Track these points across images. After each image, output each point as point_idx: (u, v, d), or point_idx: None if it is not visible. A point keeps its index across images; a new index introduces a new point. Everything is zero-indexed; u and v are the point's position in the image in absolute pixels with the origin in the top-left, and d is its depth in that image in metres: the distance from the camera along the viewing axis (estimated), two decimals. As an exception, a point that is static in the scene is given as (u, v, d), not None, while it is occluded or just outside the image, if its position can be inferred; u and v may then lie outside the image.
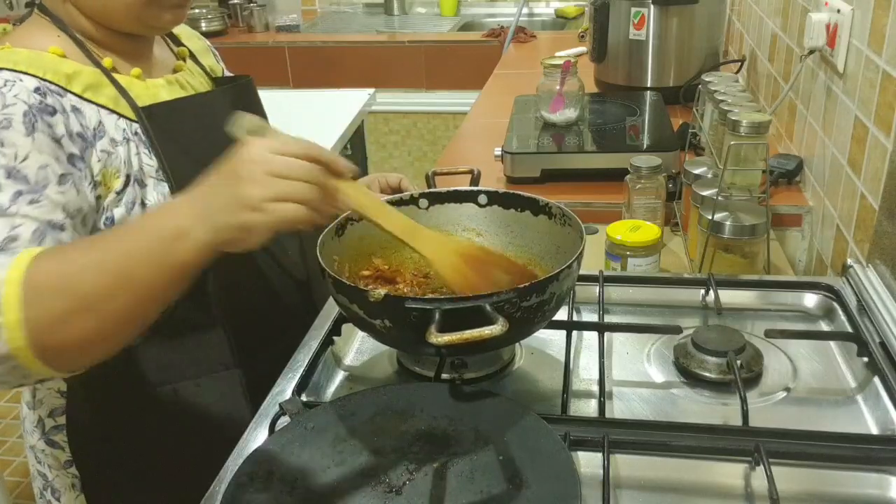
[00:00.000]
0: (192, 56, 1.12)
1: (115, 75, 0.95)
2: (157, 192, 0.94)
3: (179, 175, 0.93)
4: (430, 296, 0.93)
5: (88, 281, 0.73)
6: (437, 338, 0.72)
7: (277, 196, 0.70)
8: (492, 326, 0.72)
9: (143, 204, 0.93)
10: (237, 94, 1.10)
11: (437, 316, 0.75)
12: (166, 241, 0.72)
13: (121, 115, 0.93)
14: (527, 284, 0.79)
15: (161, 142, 0.94)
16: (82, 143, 0.88)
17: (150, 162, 0.94)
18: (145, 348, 0.96)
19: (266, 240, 0.73)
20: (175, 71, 1.06)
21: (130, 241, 0.75)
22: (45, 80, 0.87)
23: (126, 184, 0.91)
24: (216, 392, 1.02)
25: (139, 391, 0.99)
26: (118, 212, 0.91)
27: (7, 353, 0.71)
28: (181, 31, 1.14)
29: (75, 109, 0.89)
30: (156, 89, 0.99)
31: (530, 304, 0.80)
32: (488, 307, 0.75)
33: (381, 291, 0.79)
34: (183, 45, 1.12)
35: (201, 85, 1.09)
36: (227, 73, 1.21)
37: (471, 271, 0.84)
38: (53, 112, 0.86)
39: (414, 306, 0.77)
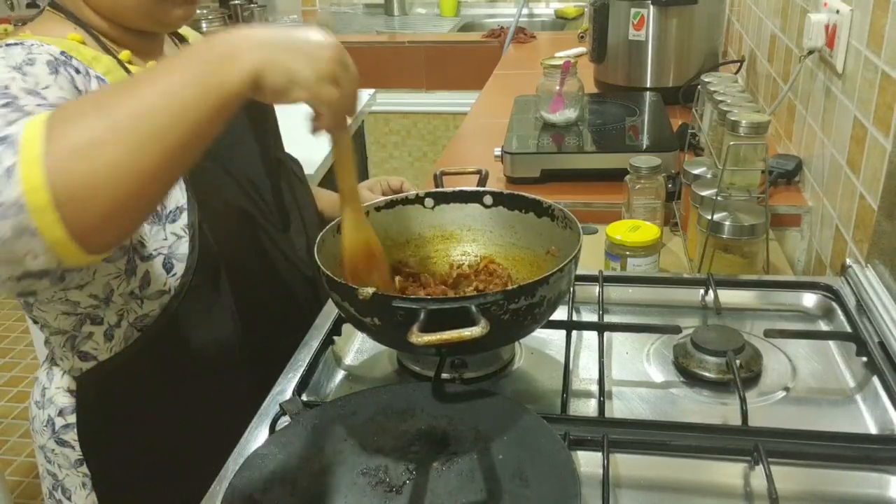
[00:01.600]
0: None
1: (131, 67, 0.96)
2: None
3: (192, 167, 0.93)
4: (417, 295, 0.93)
5: (124, 102, 0.66)
6: (418, 338, 0.72)
7: (336, 80, 0.72)
8: (472, 328, 0.72)
9: None
10: None
11: (422, 315, 0.75)
12: (213, 62, 0.69)
13: None
14: (515, 287, 0.79)
15: None
16: None
17: None
18: (156, 344, 0.97)
19: (293, 101, 0.73)
20: None
21: (174, 64, 0.70)
22: (69, 54, 0.88)
23: None
24: (225, 389, 1.02)
25: (150, 387, 1.00)
26: None
27: (17, 197, 0.61)
28: (187, 32, 1.15)
29: (100, 79, 0.90)
30: None
31: (519, 307, 0.80)
32: (474, 308, 0.75)
33: (370, 290, 0.79)
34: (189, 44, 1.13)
35: None
36: None
37: (362, 260, 0.90)
38: (77, 71, 0.87)
39: (400, 305, 0.78)
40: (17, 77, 0.80)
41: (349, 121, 0.79)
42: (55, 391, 1.01)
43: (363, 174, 2.85)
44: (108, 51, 0.95)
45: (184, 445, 1.01)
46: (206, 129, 0.69)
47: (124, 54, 0.96)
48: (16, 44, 0.86)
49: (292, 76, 0.70)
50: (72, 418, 1.01)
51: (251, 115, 1.10)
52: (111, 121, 0.65)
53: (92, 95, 0.71)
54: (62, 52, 0.87)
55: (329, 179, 1.79)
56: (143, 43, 1.00)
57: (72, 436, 1.01)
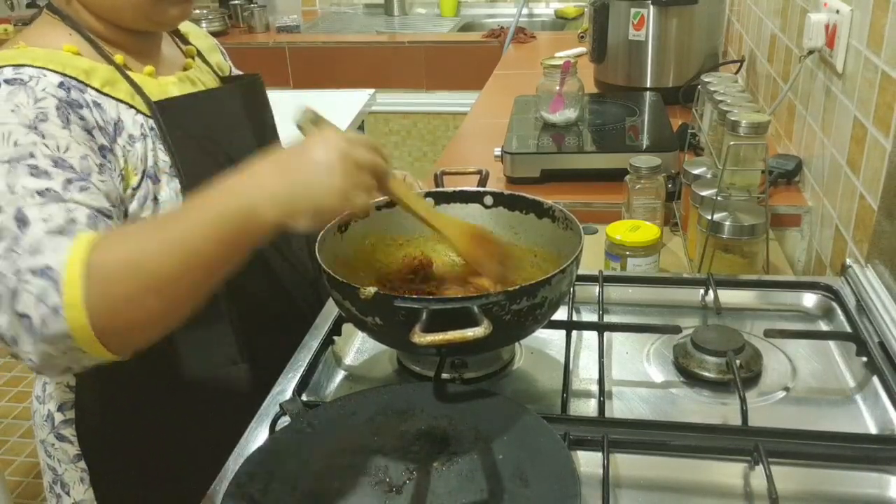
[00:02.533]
0: (200, 54, 1.13)
1: (129, 73, 0.96)
2: (169, 188, 0.94)
3: (191, 170, 0.94)
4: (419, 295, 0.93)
5: (156, 261, 0.72)
6: (420, 338, 0.72)
7: (357, 185, 0.75)
8: (475, 328, 0.72)
9: (155, 199, 0.94)
10: (247, 90, 1.12)
11: (424, 315, 0.76)
12: (235, 220, 0.73)
13: (138, 111, 0.94)
14: (516, 288, 0.79)
15: (174, 137, 0.95)
16: (107, 138, 0.90)
17: (164, 158, 0.95)
18: (154, 343, 0.97)
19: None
20: (185, 69, 1.07)
21: (197, 220, 0.74)
22: (66, 75, 0.89)
23: (141, 180, 0.92)
24: (223, 388, 1.03)
25: (148, 385, 1.00)
26: (132, 207, 0.91)
27: (66, 332, 0.70)
28: (189, 29, 1.15)
29: (96, 104, 0.90)
30: (167, 86, 1.00)
31: (520, 308, 0.80)
32: (476, 309, 0.76)
33: (371, 289, 0.79)
34: (191, 43, 1.13)
35: (210, 82, 1.09)
36: (235, 71, 1.22)
37: (479, 249, 0.93)
38: (80, 106, 0.88)
39: (402, 305, 0.78)
40: (38, 142, 0.81)
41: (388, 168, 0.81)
42: (55, 386, 1.02)
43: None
44: (104, 56, 0.94)
45: (182, 444, 1.01)
46: (232, 269, 0.76)
47: (118, 58, 0.95)
48: (15, 79, 0.85)
49: (318, 212, 0.74)
50: (71, 413, 1.01)
51: (249, 115, 1.10)
52: (146, 278, 0.72)
53: (125, 240, 0.75)
54: (60, 84, 0.87)
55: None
56: (141, 43, 1.00)
57: (70, 431, 1.02)
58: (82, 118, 0.87)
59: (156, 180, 0.94)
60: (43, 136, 0.82)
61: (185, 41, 1.13)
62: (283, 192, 0.73)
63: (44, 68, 0.87)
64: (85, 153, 0.84)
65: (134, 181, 0.92)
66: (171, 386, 1.01)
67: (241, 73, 1.21)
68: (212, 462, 0.82)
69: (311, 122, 0.81)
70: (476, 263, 0.93)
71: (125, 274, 0.72)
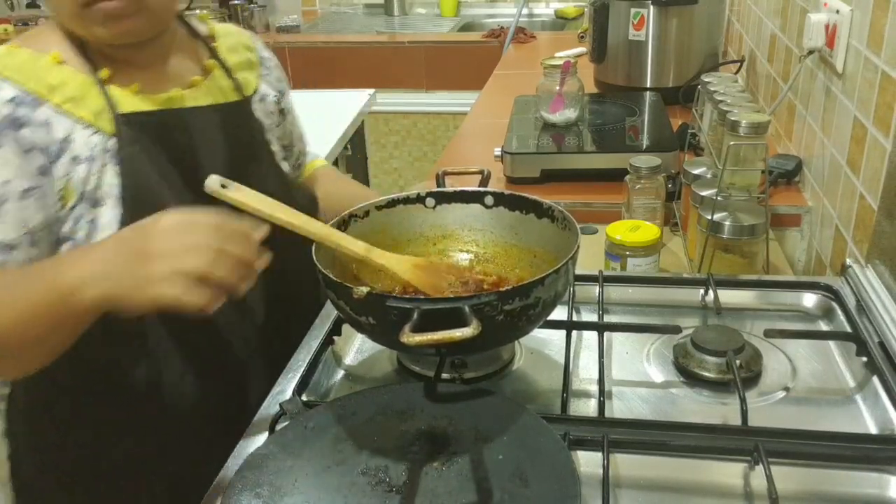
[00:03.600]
0: (227, 70, 1.07)
1: (112, 87, 0.93)
2: (113, 212, 0.91)
3: (139, 196, 0.92)
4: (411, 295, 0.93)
5: None
6: (410, 338, 0.72)
7: (177, 273, 0.73)
8: (463, 329, 0.72)
9: (93, 221, 0.91)
10: (227, 113, 1.04)
11: (415, 315, 0.76)
12: (62, 293, 0.77)
13: (97, 130, 0.91)
14: (509, 288, 0.79)
15: (128, 158, 0.92)
16: (47, 158, 0.89)
17: (113, 181, 0.92)
18: (144, 329, 0.95)
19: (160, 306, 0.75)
20: (191, 85, 1.02)
21: (30, 287, 0.80)
22: (25, 89, 0.89)
23: (78, 202, 0.91)
24: (209, 381, 1.01)
25: (70, 399, 0.98)
26: (66, 227, 0.91)
27: None
28: (227, 43, 1.09)
29: (46, 123, 0.89)
30: (147, 104, 0.96)
31: (513, 308, 0.80)
32: (467, 309, 0.75)
33: (364, 289, 0.79)
34: (218, 58, 1.07)
35: (216, 100, 1.03)
36: (272, 90, 1.14)
37: (425, 274, 0.92)
38: (22, 125, 0.87)
39: (394, 305, 0.78)
40: None
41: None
42: None
43: (363, 174, 2.85)
44: (91, 65, 0.93)
45: (108, 459, 1.00)
46: (69, 334, 0.82)
47: (104, 72, 0.93)
48: None
49: (135, 298, 0.75)
50: (4, 389, 1.00)
51: (228, 139, 1.04)
52: None
53: None
54: (12, 99, 0.87)
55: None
56: (132, 54, 0.96)
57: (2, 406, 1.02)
58: (17, 140, 0.87)
59: (96, 203, 0.91)
60: None
61: (214, 54, 1.07)
62: (104, 272, 0.76)
63: (7, 79, 0.88)
64: (7, 178, 0.86)
65: (71, 201, 0.90)
66: (98, 400, 0.98)
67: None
68: (134, 484, 0.85)
69: (221, 185, 0.80)
70: (427, 286, 0.91)
71: None
